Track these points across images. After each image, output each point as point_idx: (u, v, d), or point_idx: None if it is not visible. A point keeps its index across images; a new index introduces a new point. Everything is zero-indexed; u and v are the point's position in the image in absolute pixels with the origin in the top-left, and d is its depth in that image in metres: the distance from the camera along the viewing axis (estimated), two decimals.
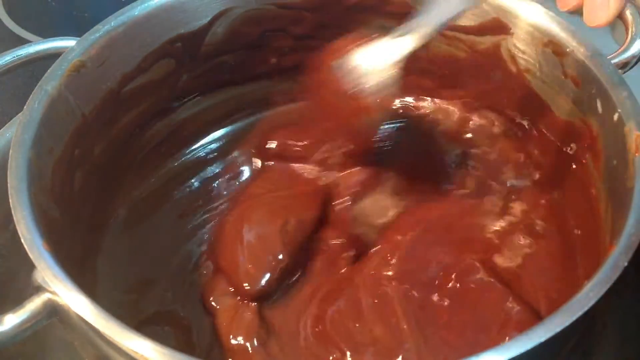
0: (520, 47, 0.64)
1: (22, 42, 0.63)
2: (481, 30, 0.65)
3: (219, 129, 0.73)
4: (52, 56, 0.59)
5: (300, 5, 0.68)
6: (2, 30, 0.91)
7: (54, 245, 0.47)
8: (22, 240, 0.46)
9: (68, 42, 0.60)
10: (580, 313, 0.42)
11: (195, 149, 0.71)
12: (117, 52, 0.61)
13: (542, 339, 0.41)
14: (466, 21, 0.66)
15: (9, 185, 0.49)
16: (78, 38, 0.60)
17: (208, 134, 0.72)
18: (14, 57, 0.60)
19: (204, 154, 0.71)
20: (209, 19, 0.66)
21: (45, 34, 0.65)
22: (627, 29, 0.63)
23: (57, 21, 0.97)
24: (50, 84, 0.56)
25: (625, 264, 0.44)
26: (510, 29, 0.63)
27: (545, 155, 0.66)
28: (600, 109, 0.56)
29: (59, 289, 0.44)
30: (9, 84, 0.80)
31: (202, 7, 0.66)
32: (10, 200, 0.48)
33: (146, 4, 0.63)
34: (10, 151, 0.51)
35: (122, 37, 0.62)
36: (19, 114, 0.53)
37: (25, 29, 0.91)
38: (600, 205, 0.56)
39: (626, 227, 0.47)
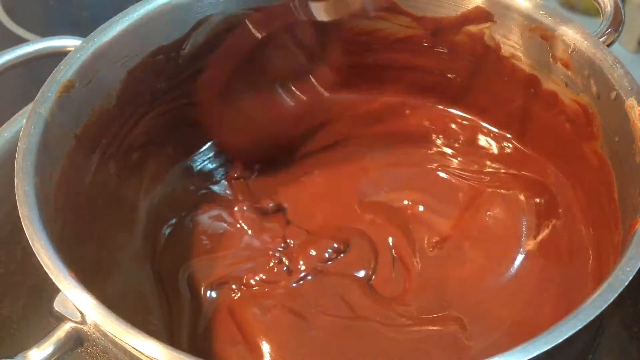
0: (505, 34, 0.64)
1: (21, 41, 0.62)
2: (463, 19, 0.66)
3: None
4: (51, 55, 0.59)
5: None
6: (0, 30, 0.90)
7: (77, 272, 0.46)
8: (47, 271, 0.45)
9: (67, 41, 0.59)
10: (621, 288, 0.43)
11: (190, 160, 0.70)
12: (103, 69, 0.60)
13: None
14: (447, 11, 0.66)
15: (20, 215, 0.47)
16: (77, 37, 0.59)
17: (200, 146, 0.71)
18: (13, 56, 0.59)
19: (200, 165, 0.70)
20: (189, 28, 0.65)
21: (44, 33, 0.65)
22: (601, 10, 0.65)
23: (56, 20, 0.97)
24: (43, 107, 0.54)
25: None
26: (494, 16, 0.64)
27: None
28: (595, 89, 0.58)
29: (94, 316, 0.43)
30: (8, 83, 0.78)
31: (181, 17, 0.65)
32: (25, 231, 0.47)
33: (126, 18, 0.62)
34: (15, 179, 0.50)
35: (106, 53, 0.60)
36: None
37: (24, 28, 0.90)
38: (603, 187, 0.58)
39: None
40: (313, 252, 0.62)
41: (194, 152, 0.70)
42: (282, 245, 0.63)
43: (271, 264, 0.62)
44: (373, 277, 0.61)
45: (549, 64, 0.62)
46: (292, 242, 0.64)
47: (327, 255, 0.62)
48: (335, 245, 0.63)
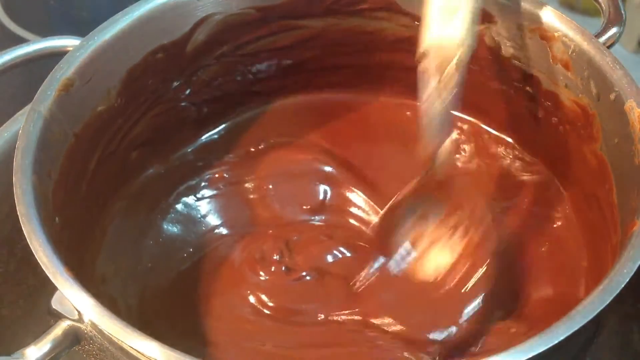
0: (505, 35, 0.64)
1: (21, 41, 0.62)
2: None
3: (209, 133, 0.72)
4: (50, 55, 0.59)
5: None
6: (0, 30, 0.90)
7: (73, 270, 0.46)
8: (44, 269, 0.45)
9: (67, 41, 0.60)
10: (617, 290, 0.42)
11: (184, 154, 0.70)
12: (103, 68, 0.60)
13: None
14: None
15: (18, 213, 0.48)
16: (77, 37, 0.59)
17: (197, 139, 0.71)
18: (13, 56, 0.59)
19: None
20: (189, 27, 0.65)
21: (44, 33, 0.65)
22: (602, 11, 0.65)
23: (56, 20, 0.97)
24: (42, 105, 0.55)
25: None
26: (494, 17, 0.64)
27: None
28: (594, 90, 0.58)
29: (91, 315, 0.43)
30: (8, 83, 0.79)
31: (182, 16, 0.65)
32: (23, 229, 0.47)
33: (126, 17, 0.62)
34: (14, 178, 0.50)
35: (106, 52, 0.60)
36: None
37: (23, 28, 0.89)
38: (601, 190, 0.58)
39: None
40: (314, 252, 0.62)
41: (194, 151, 0.70)
42: (284, 243, 0.63)
43: (271, 261, 0.62)
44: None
45: (549, 65, 0.62)
46: (295, 239, 0.63)
47: (328, 256, 0.62)
48: (340, 247, 0.63)
